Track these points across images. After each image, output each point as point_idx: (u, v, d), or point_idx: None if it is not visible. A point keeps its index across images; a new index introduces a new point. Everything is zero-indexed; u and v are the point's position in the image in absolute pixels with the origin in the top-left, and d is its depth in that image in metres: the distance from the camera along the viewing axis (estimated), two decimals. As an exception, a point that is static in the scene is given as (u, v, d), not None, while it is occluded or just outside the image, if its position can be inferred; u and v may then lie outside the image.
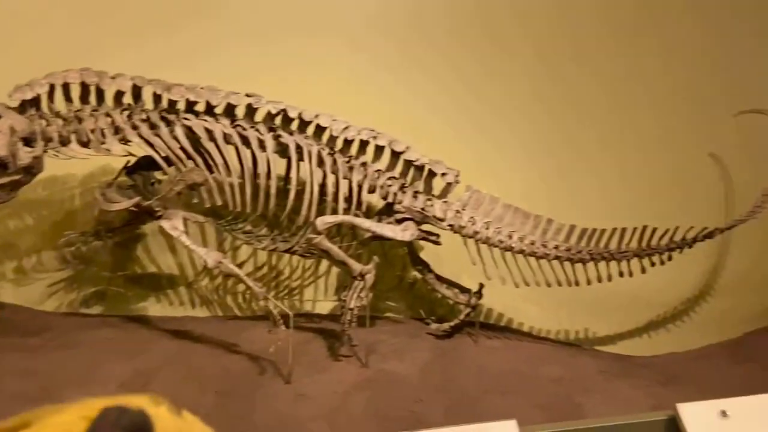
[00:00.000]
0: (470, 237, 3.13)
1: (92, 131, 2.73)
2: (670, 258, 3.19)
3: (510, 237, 3.12)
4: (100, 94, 2.77)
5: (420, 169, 3.09)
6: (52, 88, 2.66)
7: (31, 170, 2.56)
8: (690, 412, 1.50)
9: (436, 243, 3.22)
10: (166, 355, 2.93)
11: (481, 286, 3.27)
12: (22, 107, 2.62)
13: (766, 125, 3.57)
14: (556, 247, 3.14)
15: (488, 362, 3.11)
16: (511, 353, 3.27)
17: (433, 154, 3.12)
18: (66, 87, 2.70)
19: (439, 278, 3.37)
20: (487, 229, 3.12)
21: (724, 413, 1.49)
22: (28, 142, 2.55)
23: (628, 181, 3.70)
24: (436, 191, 3.13)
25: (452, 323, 3.33)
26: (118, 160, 2.94)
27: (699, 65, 3.77)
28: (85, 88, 2.73)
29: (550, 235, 3.16)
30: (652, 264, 3.18)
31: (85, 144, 2.73)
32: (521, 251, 3.13)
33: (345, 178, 3.05)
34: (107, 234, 3.21)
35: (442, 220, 3.10)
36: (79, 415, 0.68)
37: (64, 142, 2.69)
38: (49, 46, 3.07)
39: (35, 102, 2.66)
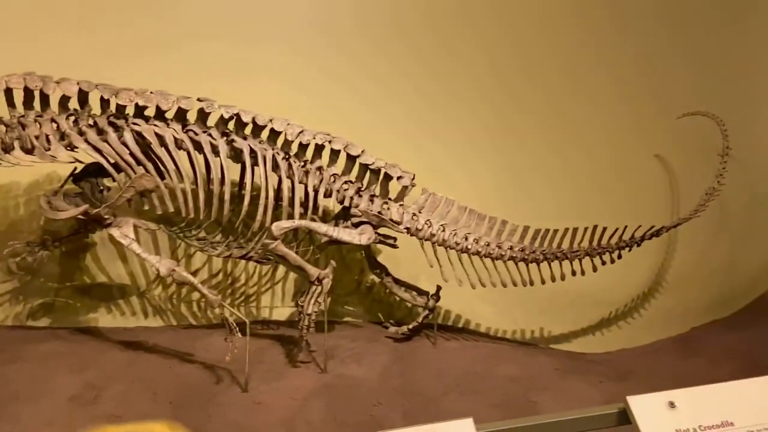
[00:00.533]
0: (427, 239, 3.15)
1: (36, 137, 2.63)
2: (620, 256, 3.28)
3: (466, 239, 3.16)
4: (45, 99, 2.67)
5: (376, 172, 3.10)
6: (-7, 92, 2.56)
7: (-30, 178, 2.45)
8: (639, 403, 1.54)
9: (393, 246, 3.23)
10: (118, 366, 2.85)
11: (439, 288, 3.30)
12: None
13: (707, 126, 3.73)
14: (511, 248, 3.19)
15: (447, 364, 3.13)
16: (469, 354, 3.31)
17: (388, 159, 3.14)
18: (9, 92, 2.60)
19: (396, 281, 3.38)
20: (443, 231, 3.14)
21: (672, 404, 1.54)
22: (-34, 149, 2.45)
23: (578, 182, 3.81)
24: (393, 194, 3.14)
25: (411, 326, 3.35)
26: (64, 167, 2.85)
27: (644, 69, 3.91)
28: (28, 92, 2.64)
29: (505, 236, 3.21)
30: (603, 263, 3.27)
31: (29, 151, 2.63)
32: (477, 252, 3.17)
33: (300, 182, 3.03)
34: (54, 243, 3.11)
35: (398, 223, 3.11)
36: None
37: (7, 149, 2.59)
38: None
39: (-26, 108, 2.55)
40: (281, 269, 3.48)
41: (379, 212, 3.08)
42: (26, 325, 3.24)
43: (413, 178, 3.13)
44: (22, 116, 2.65)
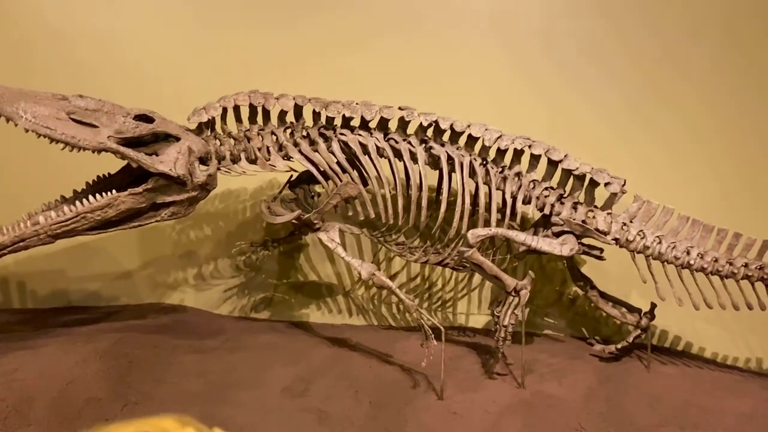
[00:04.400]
0: (639, 252, 2.85)
1: (259, 149, 2.92)
2: None
3: (687, 253, 2.79)
4: (266, 114, 2.95)
5: (580, 178, 2.88)
6: (224, 110, 2.89)
7: (206, 187, 2.79)
8: None
9: (600, 258, 2.98)
10: (325, 361, 3.03)
11: (653, 305, 2.96)
12: (199, 129, 2.88)
13: None
14: (746, 266, 2.74)
15: (662, 391, 2.79)
16: (689, 382, 2.92)
17: (596, 163, 2.89)
18: (236, 109, 2.92)
19: (603, 296, 3.11)
20: (659, 243, 2.81)
21: None
22: (203, 161, 2.79)
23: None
24: (599, 202, 2.89)
25: (620, 345, 3.06)
26: (282, 175, 3.12)
27: None
28: (252, 109, 2.93)
29: (738, 251, 2.77)
30: None
31: (252, 161, 2.92)
32: (702, 269, 2.78)
33: (498, 188, 2.94)
34: (273, 244, 3.42)
35: (605, 233, 2.85)
36: None
37: (235, 160, 2.91)
38: (222, 72, 3.36)
39: (210, 123, 2.90)
40: (477, 276, 3.42)
41: (583, 221, 2.86)
42: (250, 317, 3.62)
43: (624, 184, 2.85)
44: (247, 130, 2.95)
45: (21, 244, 2.54)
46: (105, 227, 2.67)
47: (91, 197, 2.58)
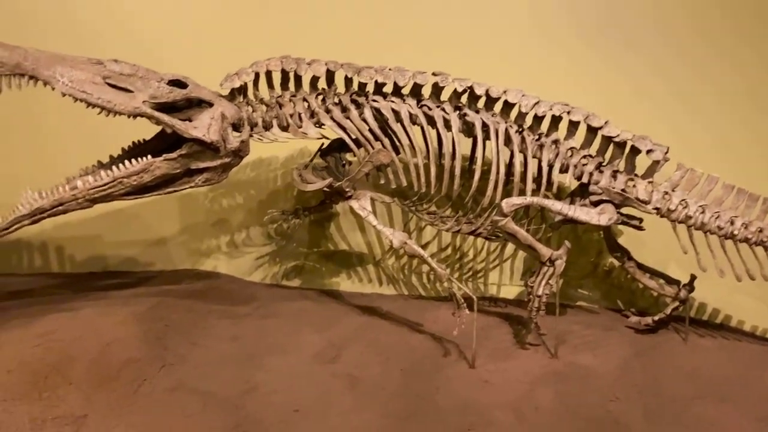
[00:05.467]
0: (681, 222, 2.77)
1: (291, 116, 2.89)
2: None
3: (732, 223, 2.70)
4: (298, 80, 2.91)
5: (621, 145, 2.80)
6: (256, 76, 2.87)
7: (238, 153, 2.79)
8: None
9: (639, 228, 2.91)
10: (356, 329, 3.04)
11: (693, 277, 2.89)
12: (231, 95, 2.86)
13: None
14: (792, 236, 2.64)
15: (700, 363, 2.74)
16: (728, 355, 2.86)
17: (637, 130, 2.80)
18: (269, 74, 2.89)
19: (641, 267, 3.05)
20: (702, 213, 2.73)
21: None
22: (236, 127, 2.78)
23: None
24: (640, 170, 2.81)
25: (656, 317, 3.01)
26: (314, 142, 3.10)
27: None
28: (284, 74, 2.90)
29: (784, 221, 2.67)
30: None
31: (284, 128, 2.90)
32: (746, 240, 2.70)
33: (534, 156, 2.87)
34: (304, 212, 3.42)
35: (646, 202, 2.78)
36: None
37: (267, 126, 2.89)
38: (253, 37, 3.33)
39: (242, 90, 2.88)
40: (511, 246, 3.38)
41: (623, 190, 2.78)
42: (281, 285, 3.65)
43: (666, 152, 2.76)
44: (279, 96, 2.92)
45: (60, 207, 2.58)
46: (141, 192, 2.70)
47: (127, 162, 2.60)
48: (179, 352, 2.68)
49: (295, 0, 3.39)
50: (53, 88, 2.41)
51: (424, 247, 3.44)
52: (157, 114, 2.56)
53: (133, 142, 2.78)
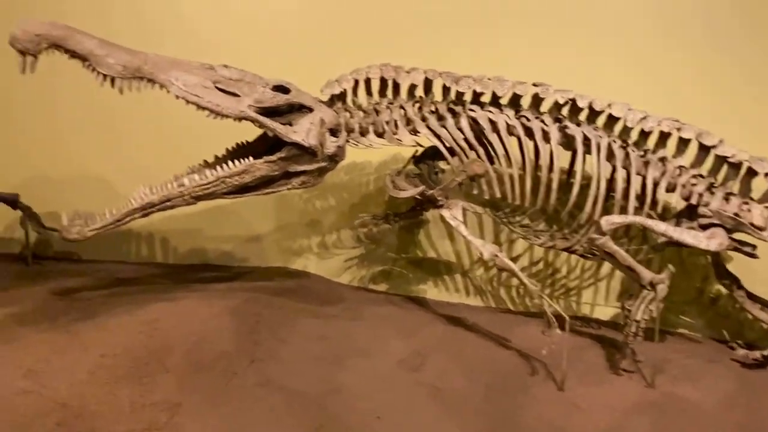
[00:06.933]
0: (801, 252, 2.54)
1: (387, 123, 2.92)
2: None
3: None
4: (396, 88, 2.94)
5: (736, 166, 2.61)
6: (356, 83, 2.92)
7: (335, 158, 2.85)
8: None
9: (752, 256, 2.69)
10: (441, 338, 3.02)
11: (812, 312, 2.65)
12: (331, 101, 2.93)
13: None
14: None
15: (816, 407, 2.50)
16: None
17: (756, 151, 2.60)
18: (368, 82, 2.93)
19: (751, 297, 2.83)
20: (827, 244, 2.49)
21: None
22: (333, 132, 2.84)
23: None
24: (757, 194, 2.60)
25: (766, 352, 2.77)
26: (407, 149, 3.11)
27: None
28: (383, 82, 2.93)
29: None
30: None
31: (380, 135, 2.93)
32: None
33: (638, 173, 2.73)
34: (395, 218, 3.43)
35: (761, 229, 2.57)
36: None
37: (363, 132, 2.94)
38: (354, 44, 3.39)
39: (341, 96, 2.94)
40: (607, 265, 3.23)
41: (736, 214, 2.59)
42: (368, 288, 3.68)
43: (788, 175, 2.55)
44: (377, 103, 2.96)
45: (168, 203, 2.74)
46: (241, 192, 2.81)
47: (230, 163, 2.72)
48: (268, 348, 2.76)
49: (391, 9, 3.42)
50: (168, 91, 2.56)
51: (514, 260, 3.36)
52: (260, 118, 2.65)
53: (237, 144, 2.90)
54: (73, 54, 2.42)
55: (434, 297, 3.57)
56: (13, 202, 3.65)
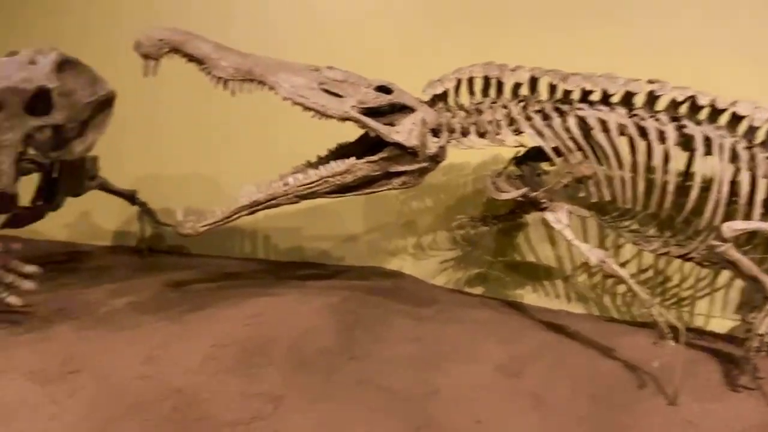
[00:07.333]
0: None
1: (489, 123, 2.87)
2: None
3: None
4: (500, 87, 2.88)
5: None
6: (458, 82, 2.89)
7: (436, 158, 2.83)
8: None
9: None
10: (540, 345, 2.92)
11: None
12: (432, 101, 2.91)
13: None
14: None
15: None
16: None
17: None
18: (470, 81, 2.89)
19: None
20: None
21: None
22: (435, 132, 2.82)
23: None
24: None
25: None
26: (508, 150, 3.04)
27: None
28: (486, 81, 2.88)
29: None
30: None
31: (482, 135, 2.88)
32: None
33: (765, 177, 2.52)
34: (493, 220, 3.37)
35: None
36: None
37: (465, 133, 2.90)
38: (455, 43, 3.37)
39: (443, 96, 2.92)
40: (725, 274, 3.01)
41: None
42: (463, 291, 3.64)
43: None
44: (479, 103, 2.91)
45: (273, 201, 2.83)
46: (342, 192, 2.86)
47: (333, 162, 2.77)
48: (366, 347, 2.79)
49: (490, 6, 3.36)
50: (276, 93, 2.64)
51: (621, 267, 3.20)
52: (363, 118, 2.68)
53: (338, 145, 2.95)
54: (191, 58, 2.56)
55: (532, 302, 3.47)
56: (131, 197, 3.92)
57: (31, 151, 2.97)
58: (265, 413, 2.24)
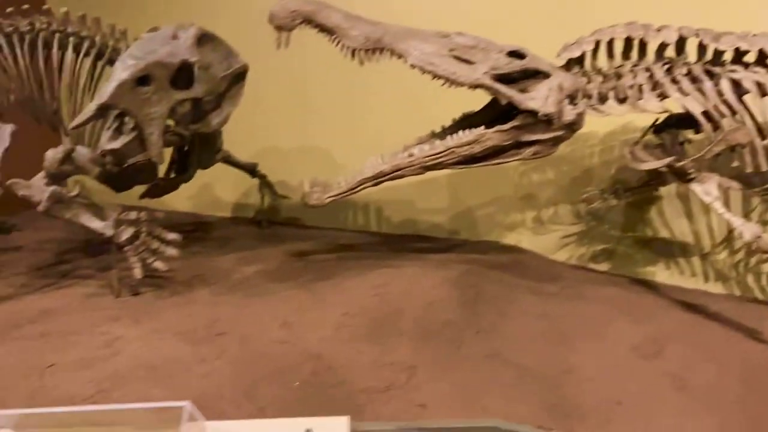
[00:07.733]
0: None
1: (630, 87, 2.68)
2: None
3: None
4: (643, 48, 2.68)
5: None
6: (597, 44, 2.71)
7: (572, 126, 2.68)
8: None
9: None
10: (678, 326, 2.75)
11: None
12: (567, 65, 2.76)
13: None
14: None
15: None
16: None
17: None
18: (610, 43, 2.71)
19: None
20: None
21: None
22: (571, 99, 2.67)
23: None
24: None
25: None
26: (640, 118, 2.84)
27: None
28: (628, 42, 2.69)
29: None
30: None
31: (622, 101, 2.70)
32: None
33: None
34: (625, 193, 3.18)
35: None
36: None
37: (602, 99, 2.72)
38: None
39: (579, 60, 2.76)
40: None
41: None
42: (587, 267, 3.48)
43: None
44: (620, 66, 2.72)
45: (398, 173, 2.80)
46: (469, 162, 2.78)
47: (460, 132, 2.69)
48: (491, 321, 2.73)
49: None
50: (406, 61, 2.59)
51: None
52: (495, 85, 2.58)
53: (463, 114, 2.87)
54: (322, 28, 2.55)
55: (665, 281, 3.26)
56: (252, 170, 4.03)
57: (172, 124, 3.10)
58: (400, 382, 2.24)
